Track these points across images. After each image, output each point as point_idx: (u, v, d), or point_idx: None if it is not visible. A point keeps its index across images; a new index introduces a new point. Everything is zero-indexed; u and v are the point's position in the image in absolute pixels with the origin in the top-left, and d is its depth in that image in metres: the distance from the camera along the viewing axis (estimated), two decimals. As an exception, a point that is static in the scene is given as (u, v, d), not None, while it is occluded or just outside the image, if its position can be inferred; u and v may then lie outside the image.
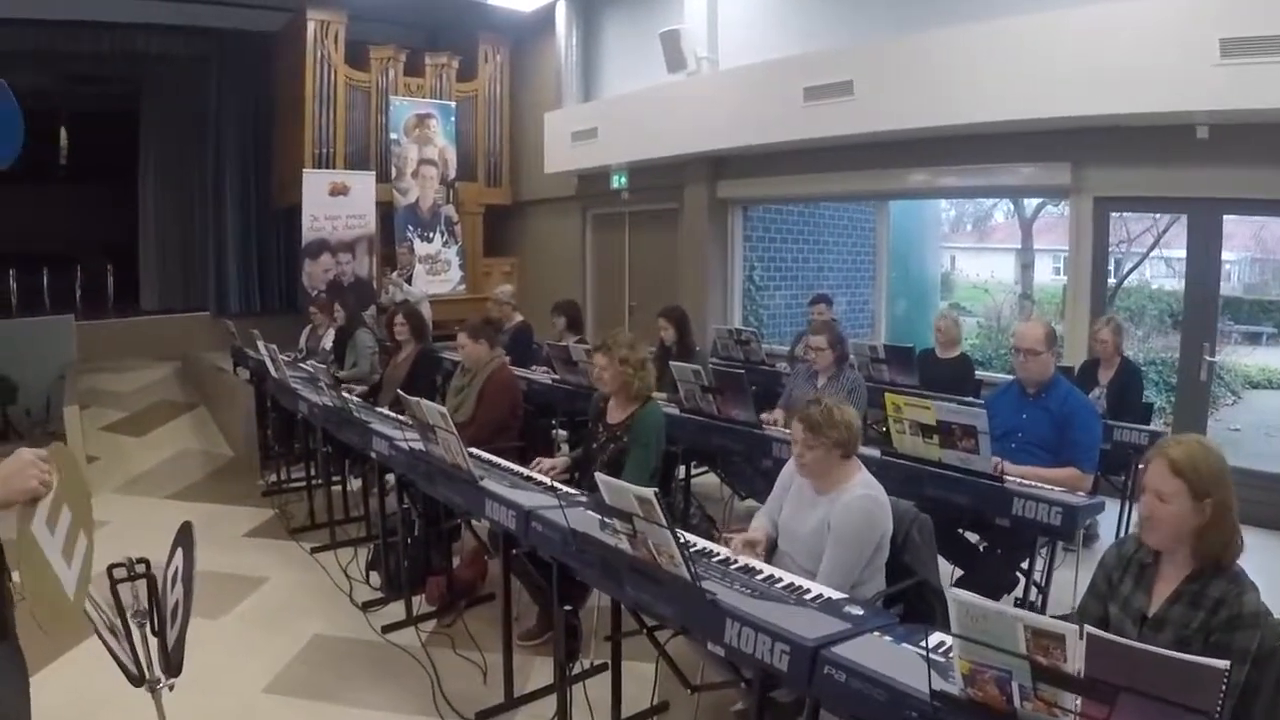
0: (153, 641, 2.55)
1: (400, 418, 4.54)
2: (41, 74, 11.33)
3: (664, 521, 2.42)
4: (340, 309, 7.73)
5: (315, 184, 10.32)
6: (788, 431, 4.91)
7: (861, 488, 3.09)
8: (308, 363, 7.39)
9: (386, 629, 4.50)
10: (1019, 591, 4.13)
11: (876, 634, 2.35)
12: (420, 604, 4.68)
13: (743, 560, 2.94)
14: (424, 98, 11.46)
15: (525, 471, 3.99)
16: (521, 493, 3.53)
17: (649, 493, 2.42)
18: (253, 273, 12.01)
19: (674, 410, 5.36)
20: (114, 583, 2.43)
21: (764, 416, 5.08)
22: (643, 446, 4.11)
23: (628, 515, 2.55)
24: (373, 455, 4.70)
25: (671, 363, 5.46)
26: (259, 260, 12.07)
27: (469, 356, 5.24)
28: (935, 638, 2.19)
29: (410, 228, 11.19)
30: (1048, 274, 14.10)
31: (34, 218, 14.24)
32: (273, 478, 6.94)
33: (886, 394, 4.10)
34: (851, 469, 3.16)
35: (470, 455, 3.93)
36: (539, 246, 12.64)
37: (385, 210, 11.08)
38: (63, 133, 14.20)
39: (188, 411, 9.20)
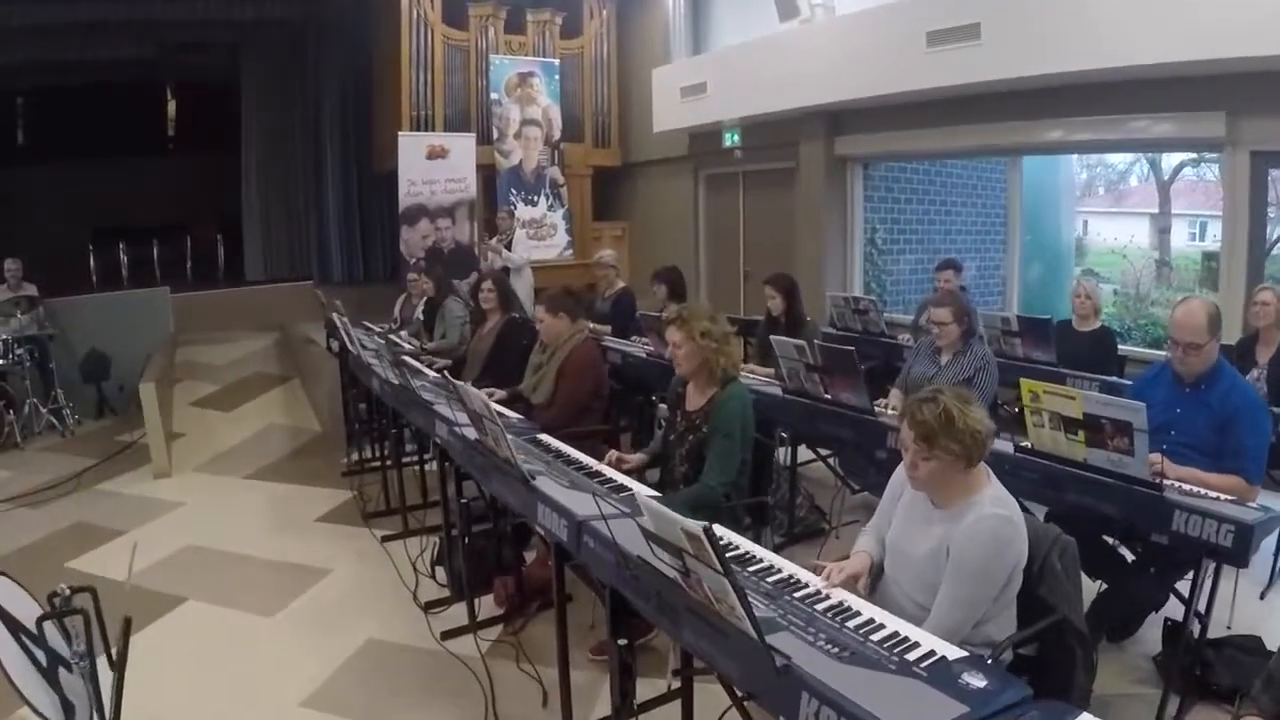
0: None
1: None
2: (144, 44, 11.29)
3: (718, 566, 1.82)
4: (428, 278, 7.30)
5: (411, 147, 9.96)
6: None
7: (991, 505, 2.44)
8: (396, 334, 7.08)
9: (446, 635, 4.05)
10: (1168, 611, 3.63)
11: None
12: (488, 606, 4.23)
13: (836, 597, 2.33)
14: (526, 56, 10.97)
15: (596, 466, 3.44)
16: (580, 495, 2.97)
17: (698, 528, 1.83)
18: (355, 241, 11.82)
19: (776, 391, 4.77)
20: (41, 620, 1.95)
21: (879, 402, 4.45)
22: (725, 436, 3.51)
23: (677, 550, 1.96)
24: (437, 440, 4.21)
25: (773, 337, 4.83)
26: (361, 228, 11.87)
27: (548, 332, 4.74)
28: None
29: (514, 191, 10.75)
30: (1184, 240, 12.95)
31: (145, 191, 14.21)
32: (355, 457, 6.58)
33: (1023, 381, 3.39)
34: (978, 480, 2.51)
35: (532, 445, 3.48)
36: (650, 210, 12.08)
37: (487, 174, 10.69)
38: (170, 104, 14.22)
39: (280, 385, 9.00)
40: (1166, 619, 3.91)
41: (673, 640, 2.70)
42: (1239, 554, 2.94)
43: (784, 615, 2.15)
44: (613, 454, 3.70)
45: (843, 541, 4.78)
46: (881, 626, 2.15)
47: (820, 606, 2.25)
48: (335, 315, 6.07)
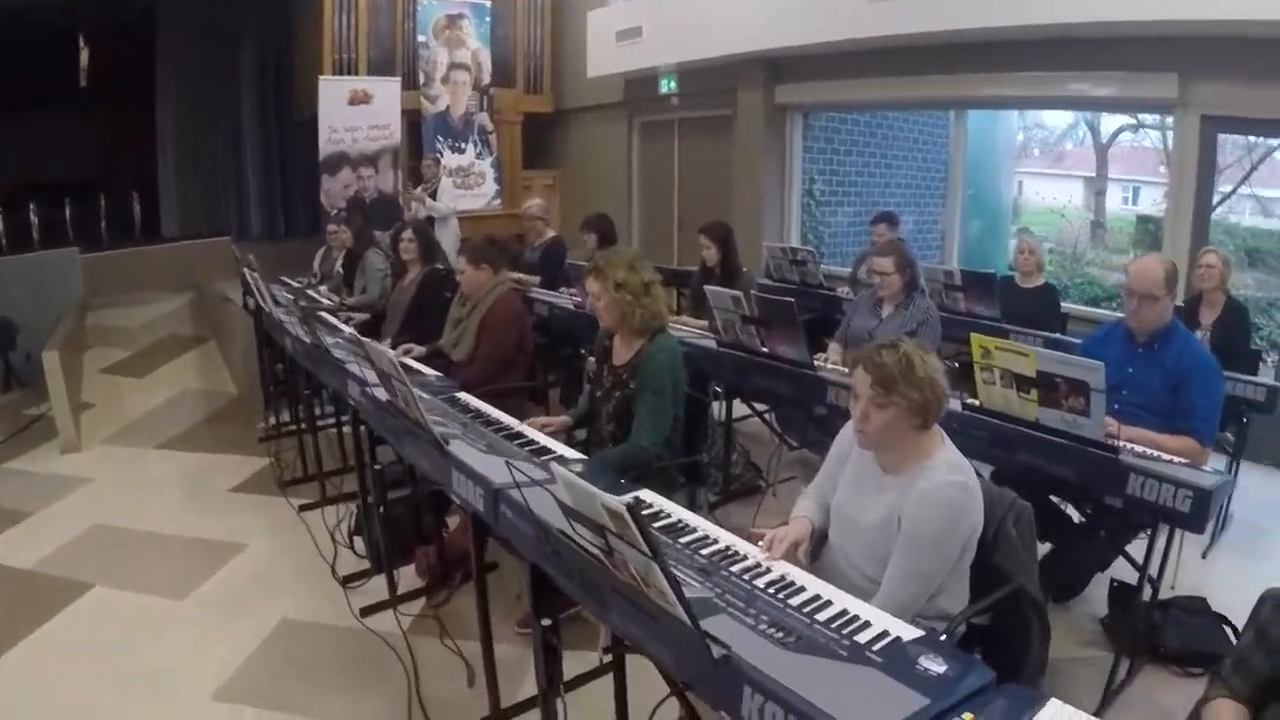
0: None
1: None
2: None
3: (644, 548, 1.58)
4: (347, 229, 6.93)
5: (333, 92, 9.52)
6: (847, 373, 4.12)
7: (945, 470, 2.24)
8: (316, 289, 6.75)
9: (366, 611, 3.78)
10: (1113, 571, 3.61)
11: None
12: (410, 578, 3.98)
13: (777, 570, 2.10)
14: (455, -4, 10.48)
15: (517, 427, 3.17)
16: (498, 461, 2.71)
17: (620, 505, 1.58)
18: (275, 194, 11.32)
19: (710, 344, 4.56)
20: None
21: (818, 356, 4.28)
22: (654, 393, 3.28)
23: (598, 527, 1.72)
24: (350, 403, 3.92)
25: (707, 288, 4.59)
26: (282, 180, 11.37)
27: (469, 284, 4.47)
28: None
29: (440, 138, 10.35)
30: (1118, 203, 13.05)
31: (57, 147, 13.24)
32: (273, 421, 6.18)
33: (974, 336, 3.20)
34: (931, 443, 2.32)
35: (449, 405, 3.25)
36: (583, 158, 11.76)
37: (413, 120, 10.29)
38: (83, 52, 13.37)
39: (196, 347, 8.54)
40: (1113, 580, 3.82)
41: (601, 621, 2.47)
42: (1196, 520, 2.81)
43: (721, 594, 1.93)
44: (536, 419, 3.42)
45: (780, 499, 4.62)
46: (829, 604, 1.94)
47: (761, 582, 2.03)
48: (247, 271, 5.70)
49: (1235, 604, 3.76)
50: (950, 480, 2.21)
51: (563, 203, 11.17)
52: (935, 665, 1.68)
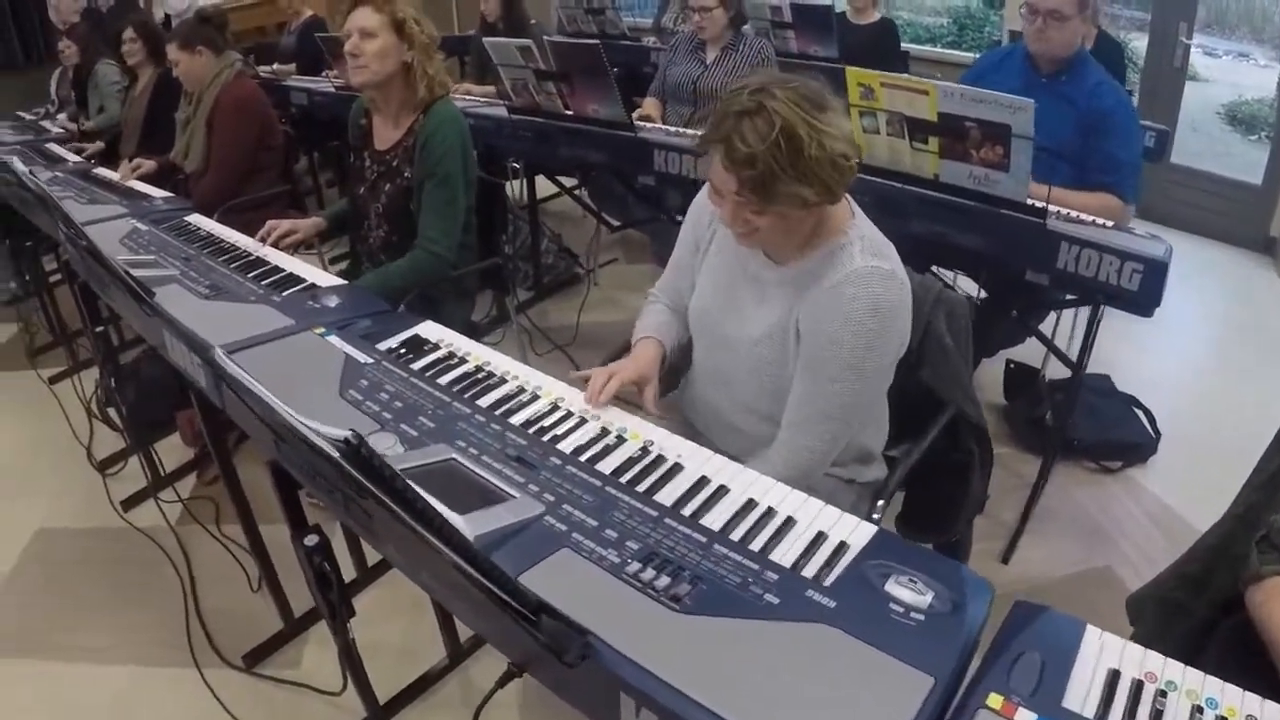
0: None
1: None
2: None
3: (410, 522, 0.87)
4: (72, 43, 5.68)
5: None
6: (670, 132, 3.40)
7: (862, 253, 1.53)
8: (54, 118, 5.63)
9: (129, 503, 3.01)
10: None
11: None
12: (177, 450, 3.24)
13: (612, 425, 1.46)
14: None
15: (255, 251, 2.38)
16: (225, 307, 1.93)
17: (335, 450, 0.86)
18: (6, 20, 9.44)
19: (499, 113, 3.77)
20: None
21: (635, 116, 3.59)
22: (439, 182, 2.50)
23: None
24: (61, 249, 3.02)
25: (488, 40, 3.70)
26: (11, 3, 9.49)
27: (187, 74, 3.51)
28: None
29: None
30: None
31: None
32: (26, 278, 5.11)
33: (850, 71, 2.46)
34: (839, 216, 1.59)
35: (172, 236, 2.46)
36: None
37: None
38: None
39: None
40: (1009, 361, 3.35)
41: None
42: (1145, 300, 2.24)
43: (556, 505, 1.22)
44: (272, 223, 2.55)
45: (605, 289, 4.10)
46: (721, 492, 1.28)
47: (609, 464, 1.34)
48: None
49: (1137, 380, 3.41)
50: (871, 268, 1.50)
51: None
52: (916, 595, 1.06)
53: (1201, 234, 5.10)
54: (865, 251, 1.52)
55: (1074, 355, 2.75)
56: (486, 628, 1.18)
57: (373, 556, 2.51)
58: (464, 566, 0.90)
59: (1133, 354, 3.69)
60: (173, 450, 3.21)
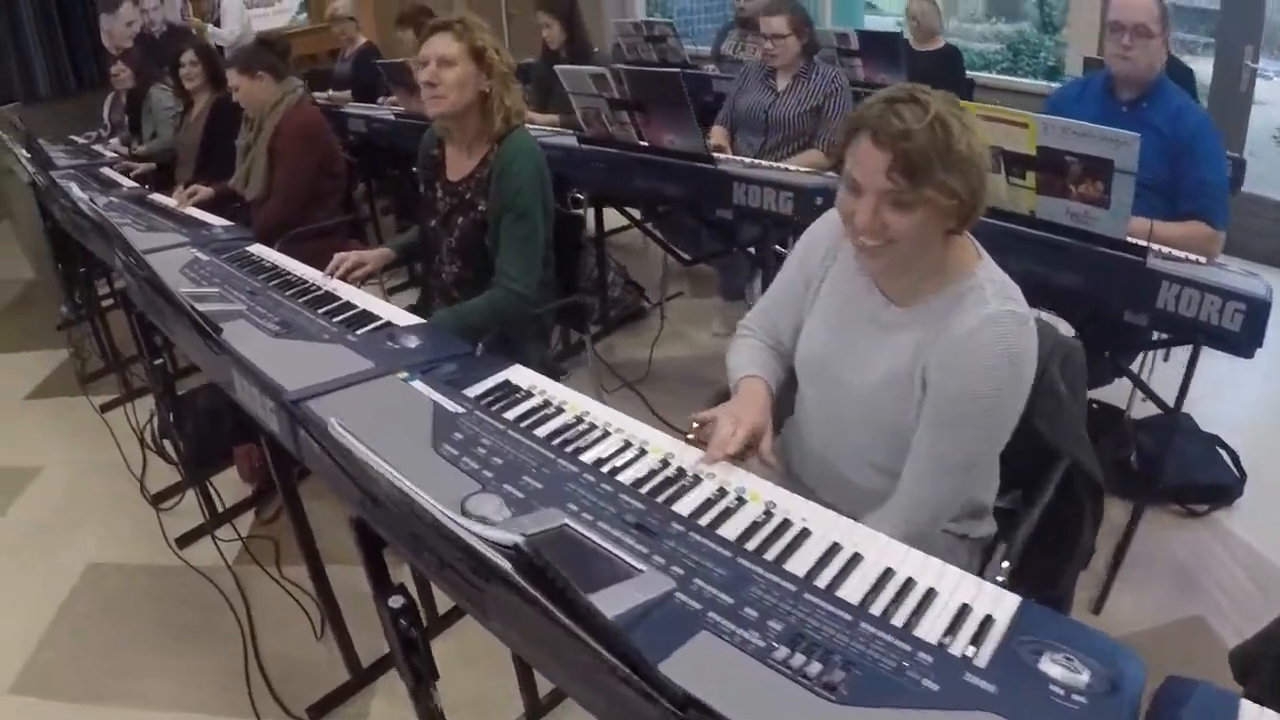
0: None
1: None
2: None
3: (555, 613, 0.76)
4: (126, 67, 5.69)
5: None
6: (748, 164, 3.28)
7: (995, 298, 1.41)
8: (105, 143, 5.68)
9: (184, 540, 2.93)
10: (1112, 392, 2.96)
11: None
12: (235, 485, 3.14)
13: (729, 485, 1.34)
14: None
15: (324, 285, 2.30)
16: (296, 346, 1.84)
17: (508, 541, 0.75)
18: (59, 46, 9.53)
19: (570, 142, 3.67)
20: None
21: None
22: (519, 216, 2.37)
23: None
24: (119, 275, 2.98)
25: (560, 68, 3.61)
26: (65, 30, 9.60)
27: (248, 99, 3.48)
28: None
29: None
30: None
31: None
32: (76, 303, 5.09)
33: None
34: (965, 256, 1.48)
35: (235, 267, 2.37)
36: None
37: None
38: None
39: (-12, 230, 7.21)
40: (1091, 400, 3.19)
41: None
42: (1248, 340, 2.12)
43: (687, 580, 1.10)
44: (340, 256, 2.44)
45: (670, 323, 4.02)
46: (855, 560, 1.17)
47: (731, 529, 1.23)
48: (4, 136, 4.57)
49: (1215, 418, 3.26)
50: (1007, 312, 1.39)
51: (375, 3, 9.76)
52: (1072, 675, 0.94)
53: (1274, 265, 4.91)
54: (998, 295, 1.41)
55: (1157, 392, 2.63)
56: (599, 704, 1.07)
57: (443, 603, 2.41)
58: (612, 661, 0.80)
59: (1213, 391, 3.55)
60: (229, 484, 3.13)
